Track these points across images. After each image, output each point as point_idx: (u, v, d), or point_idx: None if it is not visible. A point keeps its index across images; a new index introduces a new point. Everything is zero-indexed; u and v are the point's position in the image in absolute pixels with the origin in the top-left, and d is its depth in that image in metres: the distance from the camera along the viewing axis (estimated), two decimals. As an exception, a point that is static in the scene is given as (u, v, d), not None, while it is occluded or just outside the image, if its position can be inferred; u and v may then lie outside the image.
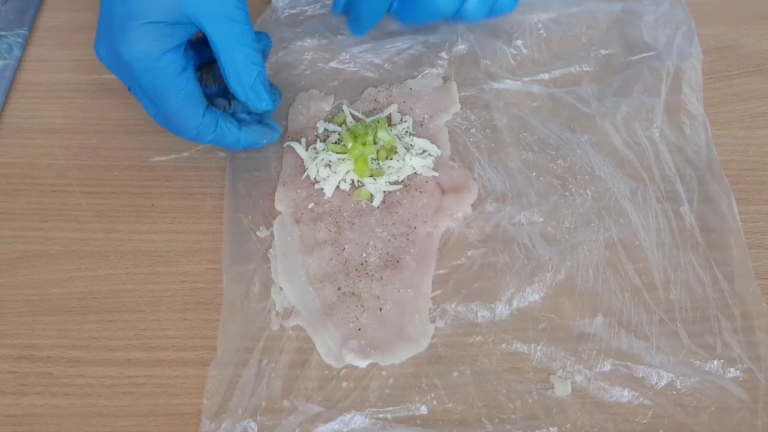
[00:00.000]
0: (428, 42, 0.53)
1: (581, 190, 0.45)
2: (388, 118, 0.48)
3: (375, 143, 0.45)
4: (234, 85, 0.41)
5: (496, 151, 0.47)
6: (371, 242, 0.43)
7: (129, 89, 0.42)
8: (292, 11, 0.55)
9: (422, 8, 0.45)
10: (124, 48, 0.39)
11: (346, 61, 0.52)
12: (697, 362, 0.39)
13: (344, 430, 0.37)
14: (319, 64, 0.52)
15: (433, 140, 0.47)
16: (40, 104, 0.50)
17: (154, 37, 0.39)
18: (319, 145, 0.46)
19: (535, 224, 0.44)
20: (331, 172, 0.45)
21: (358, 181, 0.45)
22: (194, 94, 0.41)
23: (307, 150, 0.46)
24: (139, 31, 0.38)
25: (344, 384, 0.39)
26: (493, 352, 0.40)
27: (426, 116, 0.49)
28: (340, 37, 0.53)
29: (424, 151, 0.46)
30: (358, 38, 0.52)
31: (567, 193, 0.45)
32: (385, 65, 0.52)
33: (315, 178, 0.45)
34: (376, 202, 0.44)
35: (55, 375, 0.39)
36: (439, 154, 0.46)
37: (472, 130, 0.48)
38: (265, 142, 0.45)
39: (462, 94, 0.50)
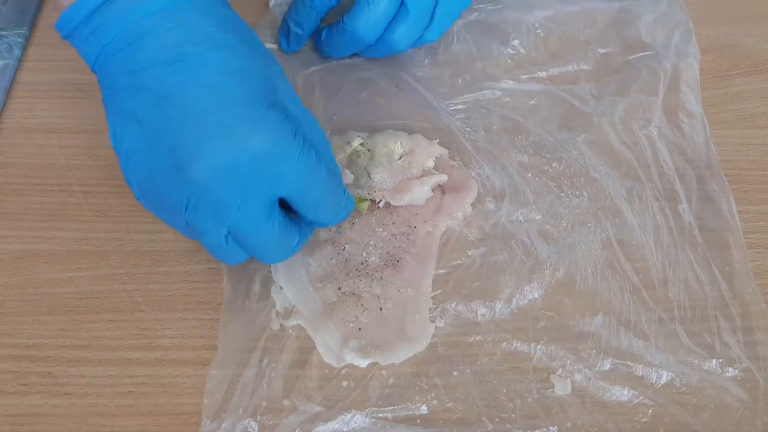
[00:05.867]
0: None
1: (577, 192, 0.46)
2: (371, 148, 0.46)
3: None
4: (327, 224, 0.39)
5: (492, 151, 0.47)
6: (371, 242, 0.43)
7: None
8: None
9: (344, 38, 0.47)
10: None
11: (347, 62, 0.52)
12: (696, 361, 0.39)
13: (345, 429, 0.37)
14: (318, 67, 0.52)
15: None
16: (40, 104, 0.50)
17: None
18: None
19: (532, 222, 0.44)
20: None
21: None
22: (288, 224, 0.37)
23: None
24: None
25: (344, 383, 0.39)
26: (493, 352, 0.40)
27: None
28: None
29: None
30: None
31: (563, 194, 0.45)
32: (387, 61, 0.52)
33: None
34: (382, 204, 0.44)
35: (55, 375, 0.39)
36: (440, 155, 0.46)
37: (467, 129, 0.48)
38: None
39: (460, 95, 0.50)
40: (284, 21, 0.50)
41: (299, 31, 0.49)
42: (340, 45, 0.48)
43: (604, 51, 0.52)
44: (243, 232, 0.35)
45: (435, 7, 0.46)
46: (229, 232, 0.35)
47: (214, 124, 0.33)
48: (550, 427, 0.37)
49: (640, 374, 0.39)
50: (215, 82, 0.33)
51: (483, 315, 0.41)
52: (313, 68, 0.52)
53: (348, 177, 0.43)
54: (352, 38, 0.47)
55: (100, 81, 0.36)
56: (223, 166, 0.33)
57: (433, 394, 0.38)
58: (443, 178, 0.45)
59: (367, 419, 0.37)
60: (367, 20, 0.45)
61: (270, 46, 0.52)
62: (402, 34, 0.46)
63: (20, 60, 0.52)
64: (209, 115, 0.33)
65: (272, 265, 0.42)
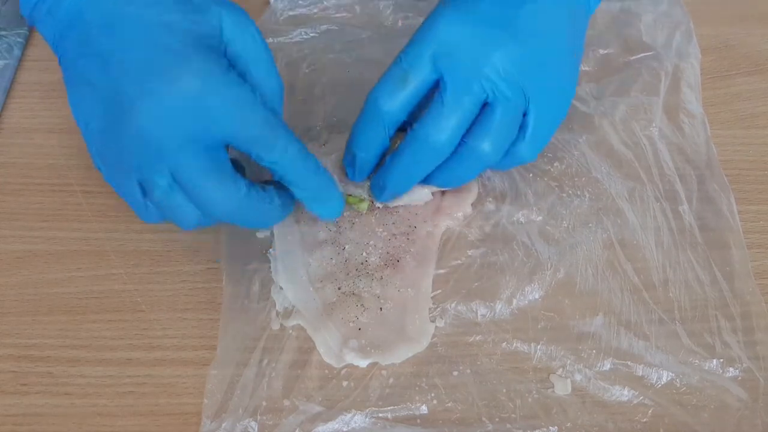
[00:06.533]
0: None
1: (578, 192, 0.46)
2: None
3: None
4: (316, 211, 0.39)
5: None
6: (371, 242, 0.43)
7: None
8: (291, 13, 0.55)
9: (414, 153, 0.39)
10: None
11: (347, 61, 0.52)
12: (697, 361, 0.39)
13: (345, 429, 0.37)
14: (318, 65, 0.52)
15: None
16: (40, 104, 0.50)
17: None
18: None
19: (533, 223, 0.44)
20: None
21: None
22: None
23: None
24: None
25: (344, 383, 0.39)
26: (493, 352, 0.40)
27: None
28: (339, 38, 0.53)
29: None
30: (361, 41, 0.52)
31: (564, 195, 0.45)
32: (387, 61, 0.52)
33: None
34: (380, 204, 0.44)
35: (55, 375, 0.39)
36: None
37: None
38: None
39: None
40: (348, 148, 0.41)
41: (365, 155, 0.40)
42: (407, 166, 0.39)
43: (605, 51, 0.52)
44: (185, 178, 0.35)
45: (526, 113, 0.39)
46: (175, 180, 0.35)
47: (146, 69, 0.34)
48: (550, 427, 0.37)
49: (640, 374, 0.39)
50: (148, 34, 0.35)
51: (483, 315, 0.41)
52: (312, 67, 0.52)
53: None
54: (426, 150, 0.38)
55: (60, 60, 0.37)
56: (158, 107, 0.34)
57: (433, 394, 0.38)
58: None
59: (367, 419, 0.37)
60: (445, 123, 0.37)
61: (270, 39, 0.52)
62: (489, 142, 0.38)
63: (20, 60, 0.52)
64: (142, 62, 0.34)
65: (272, 265, 0.42)
